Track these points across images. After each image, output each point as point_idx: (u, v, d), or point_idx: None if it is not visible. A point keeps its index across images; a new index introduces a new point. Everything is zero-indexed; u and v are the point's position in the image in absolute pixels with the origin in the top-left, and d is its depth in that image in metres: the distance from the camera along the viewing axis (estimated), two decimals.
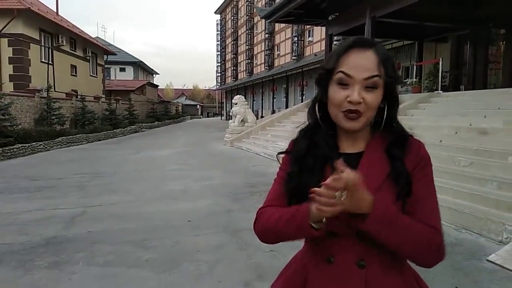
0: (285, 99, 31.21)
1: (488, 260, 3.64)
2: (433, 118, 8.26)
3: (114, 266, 3.54)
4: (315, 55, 25.88)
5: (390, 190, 1.02)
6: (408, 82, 13.27)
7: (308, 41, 29.25)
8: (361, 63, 1.01)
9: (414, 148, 1.07)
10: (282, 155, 1.19)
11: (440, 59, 12.42)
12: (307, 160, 1.09)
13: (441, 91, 11.08)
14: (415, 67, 15.05)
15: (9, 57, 17.97)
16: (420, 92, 12.37)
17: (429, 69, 14.39)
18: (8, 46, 17.90)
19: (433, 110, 8.96)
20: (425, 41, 15.89)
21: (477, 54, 13.96)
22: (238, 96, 16.73)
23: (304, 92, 27.94)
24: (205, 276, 3.25)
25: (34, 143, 13.56)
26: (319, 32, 24.77)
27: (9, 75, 17.78)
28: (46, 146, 14.32)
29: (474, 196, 4.88)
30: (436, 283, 3.21)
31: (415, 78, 13.82)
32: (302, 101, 24.86)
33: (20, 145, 12.71)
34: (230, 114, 17.51)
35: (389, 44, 18.42)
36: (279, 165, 1.18)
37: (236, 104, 15.89)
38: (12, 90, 16.22)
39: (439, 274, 3.38)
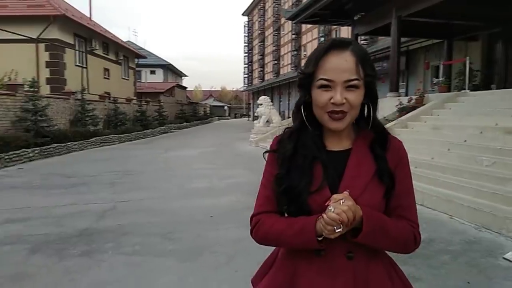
0: None
1: (504, 258, 3.65)
2: (458, 118, 8.17)
3: (140, 255, 3.81)
4: None
5: (377, 187, 1.08)
6: (434, 82, 13.05)
7: None
8: (340, 66, 1.04)
9: (395, 147, 1.14)
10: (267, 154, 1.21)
11: (467, 58, 12.13)
12: (296, 160, 1.11)
13: (468, 90, 10.85)
14: (441, 66, 14.76)
15: (46, 61, 18.86)
16: (448, 92, 12.16)
17: (459, 68, 14.08)
18: (45, 50, 18.79)
19: (459, 109, 8.84)
20: (455, 40, 15.55)
21: (509, 52, 13.58)
22: (263, 97, 16.93)
23: None
24: (223, 266, 3.45)
25: (69, 143, 14.24)
26: (346, 32, 24.57)
27: (46, 78, 18.65)
28: (80, 146, 15.00)
29: (495, 196, 4.85)
30: (449, 279, 3.28)
31: (443, 77, 13.56)
32: None
33: (56, 144, 13.40)
34: (256, 115, 17.72)
35: (418, 43, 18.12)
36: (265, 162, 1.20)
37: (261, 104, 16.09)
38: (49, 93, 17.05)
39: (453, 271, 3.45)
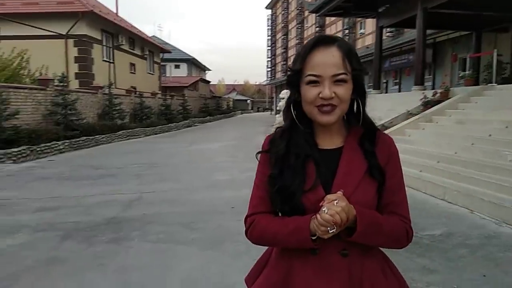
0: None
1: None
2: (483, 112, 8.01)
3: (164, 243, 4.00)
4: (367, 47, 25.35)
5: (369, 184, 1.09)
6: (460, 75, 12.76)
7: (360, 33, 28.70)
8: (327, 61, 1.05)
9: (385, 143, 1.15)
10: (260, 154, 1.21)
11: (495, 50, 11.78)
12: (288, 160, 1.12)
13: (496, 84, 10.57)
14: (468, 59, 14.38)
15: (74, 57, 19.46)
16: (475, 85, 11.87)
17: (488, 60, 13.70)
18: (74, 46, 19.37)
19: (485, 103, 8.65)
20: (484, 32, 15.11)
21: None
22: (285, 90, 16.90)
23: None
24: (242, 255, 3.59)
25: (97, 136, 14.73)
26: (371, 24, 24.19)
27: (75, 73, 19.26)
28: (108, 138, 15.48)
29: None
30: (465, 272, 3.31)
31: (469, 70, 13.23)
32: None
33: (85, 137, 13.89)
34: (277, 108, 17.79)
35: (445, 35, 17.69)
36: (257, 162, 1.20)
37: (283, 98, 16.13)
38: (78, 87, 17.63)
39: (469, 264, 3.48)
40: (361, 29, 28.42)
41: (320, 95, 1.05)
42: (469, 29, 15.32)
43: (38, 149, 11.21)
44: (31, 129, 11.52)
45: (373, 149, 1.11)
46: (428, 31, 16.04)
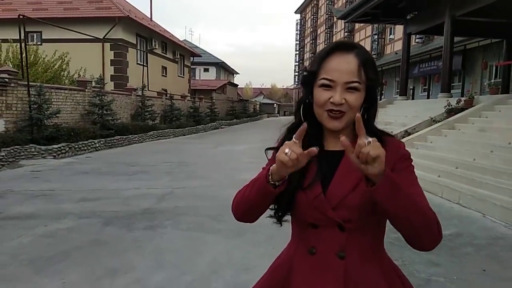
0: None
1: None
2: (506, 120, 8.10)
3: (194, 231, 4.46)
4: (396, 53, 25.28)
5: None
6: (486, 83, 12.71)
7: (389, 39, 28.62)
8: (343, 67, 1.06)
9: (394, 147, 1.10)
10: (271, 151, 1.22)
11: None
12: None
13: None
14: (494, 67, 14.26)
15: (111, 60, 20.48)
16: (505, 93, 11.83)
17: None
18: (110, 50, 20.39)
19: (508, 112, 8.69)
20: None
21: None
22: None
23: (383, 92, 27.43)
24: (262, 243, 3.99)
25: (130, 136, 15.53)
26: (400, 30, 24.05)
27: (111, 75, 20.24)
28: (140, 138, 16.26)
29: None
30: (467, 267, 3.60)
31: (495, 78, 13.14)
32: (380, 101, 24.46)
33: (119, 136, 14.69)
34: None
35: (475, 42, 17.54)
36: (267, 160, 1.22)
37: None
38: (113, 89, 18.56)
39: (472, 260, 3.76)
40: (390, 34, 28.34)
41: (331, 100, 1.06)
42: (499, 37, 15.20)
43: (76, 146, 12.02)
44: (70, 128, 12.36)
45: None
46: (458, 38, 16.00)
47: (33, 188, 6.88)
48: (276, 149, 1.17)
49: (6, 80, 10.61)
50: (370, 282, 1.08)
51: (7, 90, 10.64)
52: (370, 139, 0.91)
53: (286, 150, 0.96)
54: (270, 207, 1.15)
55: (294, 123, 1.21)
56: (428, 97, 21.00)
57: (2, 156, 9.24)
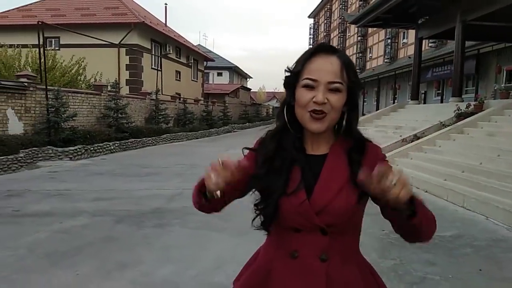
0: (375, 103, 30.74)
1: None
2: None
3: (200, 230, 4.64)
4: (409, 57, 25.18)
5: (351, 191, 1.07)
6: (496, 87, 12.64)
7: (403, 43, 28.52)
8: (325, 67, 1.07)
9: (373, 152, 1.14)
10: (247, 151, 1.22)
11: None
12: (276, 161, 1.13)
13: None
14: (505, 71, 14.15)
15: (126, 64, 20.95)
16: (508, 98, 11.77)
17: None
18: (126, 55, 20.87)
19: None
20: None
21: None
22: None
23: (397, 96, 27.30)
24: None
25: (144, 138, 15.87)
26: (414, 34, 24.06)
27: (126, 79, 20.71)
28: (153, 141, 16.59)
29: None
30: (464, 266, 3.70)
31: (508, 82, 13.05)
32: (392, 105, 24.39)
33: (133, 139, 15.04)
34: None
35: (489, 46, 17.41)
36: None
37: None
38: (128, 93, 18.97)
39: (470, 260, 3.85)
40: (403, 38, 28.25)
41: (314, 100, 1.06)
42: None
43: (92, 148, 12.37)
44: (86, 130, 12.73)
45: (360, 159, 1.11)
46: (472, 42, 15.93)
47: (50, 188, 7.18)
48: (253, 150, 1.20)
49: (25, 84, 11.02)
50: (350, 283, 1.10)
51: (26, 94, 11.04)
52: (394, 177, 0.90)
53: (212, 175, 0.99)
54: (256, 213, 1.15)
55: (277, 126, 1.19)
56: (441, 101, 20.87)
57: (21, 157, 9.60)
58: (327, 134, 1.14)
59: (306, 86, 1.08)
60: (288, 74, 1.15)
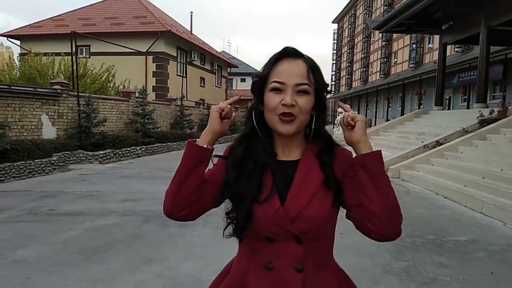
0: (400, 108, 30.38)
1: None
2: None
3: (221, 230, 4.86)
4: (435, 62, 24.81)
5: (325, 195, 1.08)
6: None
7: (428, 48, 28.12)
8: (292, 70, 1.08)
9: (345, 155, 1.14)
10: (217, 159, 1.19)
11: None
12: (246, 166, 1.12)
13: None
14: None
15: (153, 71, 21.63)
16: None
17: None
18: (153, 62, 21.56)
19: None
20: None
21: None
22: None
23: (422, 101, 26.93)
24: None
25: (169, 143, 16.36)
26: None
27: (152, 86, 21.38)
28: (178, 146, 17.05)
29: None
30: (476, 269, 3.80)
31: None
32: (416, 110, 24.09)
33: (159, 144, 15.54)
34: (335, 122, 18.28)
35: None
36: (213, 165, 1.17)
37: (341, 112, 16.59)
38: (154, 99, 19.57)
39: (483, 264, 3.94)
40: (429, 43, 27.87)
41: (282, 102, 1.07)
42: None
43: (120, 152, 12.88)
44: (115, 135, 13.28)
45: (330, 161, 1.12)
46: (498, 47, 15.66)
47: (81, 189, 7.61)
48: (223, 157, 1.18)
49: (59, 91, 11.64)
50: None
51: (59, 100, 11.66)
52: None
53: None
54: (227, 222, 1.15)
55: (244, 131, 1.19)
56: (467, 107, 20.51)
57: (54, 160, 10.15)
58: (298, 139, 1.15)
59: (274, 90, 1.09)
60: (255, 79, 1.15)
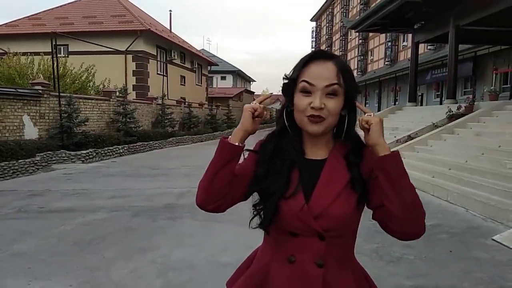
0: (377, 105, 31.22)
1: (492, 239, 4.50)
2: (500, 125, 8.64)
3: (208, 221, 5.22)
4: (409, 60, 25.61)
5: (350, 196, 1.09)
6: (485, 90, 13.17)
7: (403, 46, 28.99)
8: (322, 73, 1.08)
9: (371, 157, 1.10)
10: (248, 152, 1.21)
11: None
12: (275, 163, 1.14)
13: None
14: (494, 74, 14.64)
15: (133, 70, 21.64)
16: (496, 100, 12.30)
17: None
18: (132, 61, 21.56)
19: (504, 117, 9.22)
20: None
21: None
22: None
23: (398, 98, 27.78)
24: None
25: (151, 142, 16.51)
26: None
27: (133, 85, 21.37)
28: (160, 144, 17.23)
29: (505, 192, 5.58)
30: (436, 248, 4.25)
31: (504, 84, 13.55)
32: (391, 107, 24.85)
33: (141, 143, 15.69)
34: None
35: (486, 49, 17.89)
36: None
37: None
38: (135, 98, 19.61)
39: (443, 244, 4.40)
40: (403, 41, 28.73)
41: (311, 105, 1.07)
42: (507, 44, 15.55)
43: (102, 152, 13.00)
44: (97, 135, 13.38)
45: (358, 162, 1.13)
46: (468, 45, 16.42)
47: (68, 187, 7.80)
48: (253, 151, 1.21)
49: (40, 91, 11.68)
50: None
51: (40, 101, 11.70)
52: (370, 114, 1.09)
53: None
54: (254, 213, 1.19)
55: (276, 129, 1.22)
56: (440, 103, 21.35)
57: (37, 160, 10.23)
58: (326, 138, 1.16)
59: (304, 91, 1.10)
60: (286, 81, 1.17)
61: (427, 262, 3.86)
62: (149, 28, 21.18)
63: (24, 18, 23.41)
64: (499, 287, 3.34)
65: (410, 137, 10.43)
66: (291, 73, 1.15)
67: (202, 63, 31.50)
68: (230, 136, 1.15)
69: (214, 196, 1.16)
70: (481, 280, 3.44)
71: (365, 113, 1.13)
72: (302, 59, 1.14)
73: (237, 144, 1.13)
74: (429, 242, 4.43)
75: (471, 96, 13.90)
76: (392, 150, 1.04)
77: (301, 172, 1.12)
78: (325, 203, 1.07)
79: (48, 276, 3.54)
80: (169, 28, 27.93)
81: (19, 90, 11.20)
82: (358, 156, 1.13)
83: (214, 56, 42.87)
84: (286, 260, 1.11)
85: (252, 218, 1.19)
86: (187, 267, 3.72)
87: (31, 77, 14.90)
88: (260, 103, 1.15)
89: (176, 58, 25.17)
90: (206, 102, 30.17)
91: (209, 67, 33.97)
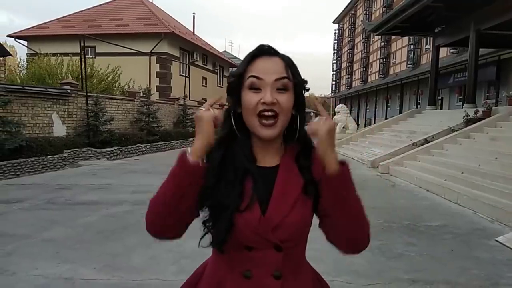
0: (399, 108, 30.94)
1: (495, 240, 4.63)
2: None
3: None
4: None
5: (305, 202, 1.04)
6: (504, 94, 13.01)
7: (426, 49, 28.65)
8: (270, 67, 1.03)
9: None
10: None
11: None
12: (226, 172, 1.05)
13: None
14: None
15: (156, 72, 22.26)
16: None
17: None
18: (156, 62, 22.18)
19: None
20: None
21: None
22: (340, 105, 18.14)
23: (420, 101, 27.50)
24: None
25: (172, 141, 17.02)
26: None
27: (156, 86, 22.00)
28: (181, 144, 17.70)
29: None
30: (439, 247, 4.42)
31: None
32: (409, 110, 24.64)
33: (162, 142, 16.21)
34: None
35: (510, 53, 17.58)
36: None
37: (339, 112, 17.28)
38: (158, 99, 20.20)
39: (446, 243, 4.57)
40: (426, 44, 28.42)
41: (262, 100, 1.01)
42: None
43: (126, 150, 13.54)
44: (121, 133, 13.94)
45: (309, 165, 1.07)
46: (492, 49, 16.23)
47: (93, 182, 8.27)
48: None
49: (69, 91, 12.29)
50: None
51: (68, 100, 12.32)
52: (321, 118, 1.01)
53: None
54: (205, 231, 1.10)
55: (222, 136, 1.10)
56: (462, 107, 21.10)
57: (65, 156, 10.80)
58: (277, 142, 1.10)
59: (252, 88, 1.03)
60: (231, 79, 1.09)
61: (427, 259, 4.05)
62: (173, 31, 21.75)
63: (54, 20, 24.39)
64: (494, 283, 3.50)
65: (426, 141, 10.48)
66: (236, 70, 1.09)
67: (223, 65, 32.01)
68: (189, 153, 1.00)
69: (174, 225, 1.11)
70: (476, 277, 3.62)
71: (318, 115, 1.07)
72: (247, 55, 1.08)
73: (200, 164, 0.99)
74: (432, 241, 4.61)
75: (488, 101, 13.75)
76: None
77: (254, 181, 1.04)
78: (282, 213, 1.01)
79: (74, 260, 3.92)
80: (192, 31, 28.53)
81: (49, 90, 11.82)
82: (309, 158, 1.08)
83: (235, 58, 43.32)
84: (241, 276, 1.04)
85: (203, 236, 1.10)
86: (200, 255, 4.01)
87: (60, 77, 15.63)
88: (212, 106, 1.04)
89: (198, 60, 25.73)
90: (227, 103, 30.52)
91: (230, 69, 34.45)
